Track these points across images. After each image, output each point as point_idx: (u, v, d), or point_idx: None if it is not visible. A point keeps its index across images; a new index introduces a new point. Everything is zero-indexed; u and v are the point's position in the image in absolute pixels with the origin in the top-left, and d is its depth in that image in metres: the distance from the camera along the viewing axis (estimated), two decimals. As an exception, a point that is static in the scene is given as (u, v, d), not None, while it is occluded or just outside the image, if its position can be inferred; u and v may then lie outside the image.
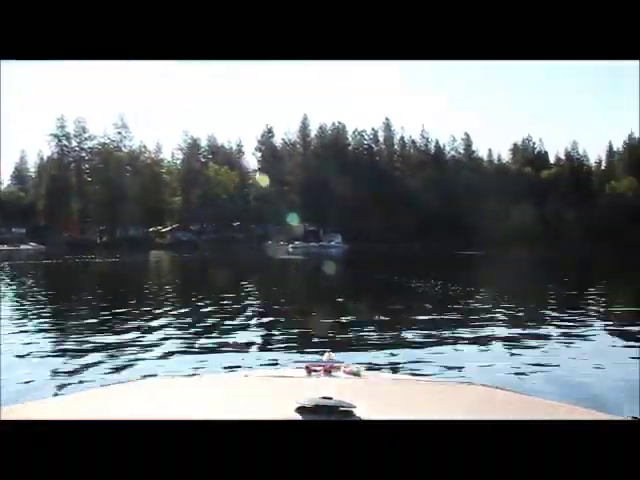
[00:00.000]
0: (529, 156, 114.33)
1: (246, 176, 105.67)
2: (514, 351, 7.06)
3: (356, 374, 2.02)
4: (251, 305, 12.67)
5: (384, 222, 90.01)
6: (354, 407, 1.27)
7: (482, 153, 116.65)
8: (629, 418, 1.38)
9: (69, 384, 5.22)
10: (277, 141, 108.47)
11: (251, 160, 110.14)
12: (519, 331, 8.74)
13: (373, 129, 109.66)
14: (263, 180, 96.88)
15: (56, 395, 1.33)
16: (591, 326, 9.20)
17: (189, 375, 2.27)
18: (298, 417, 1.24)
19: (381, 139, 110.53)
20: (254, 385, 1.82)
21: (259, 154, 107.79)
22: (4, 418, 1.31)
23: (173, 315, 10.59)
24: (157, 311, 11.15)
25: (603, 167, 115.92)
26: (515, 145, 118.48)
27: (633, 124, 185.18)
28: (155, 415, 1.33)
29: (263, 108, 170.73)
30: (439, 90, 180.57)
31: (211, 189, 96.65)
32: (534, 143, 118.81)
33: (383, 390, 1.81)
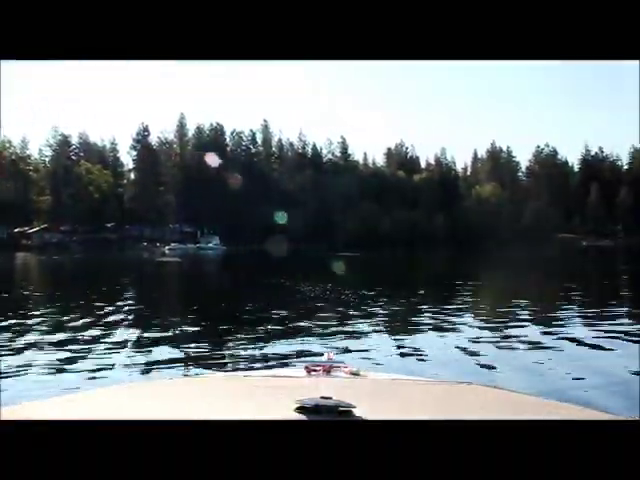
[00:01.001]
0: (402, 160, 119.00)
1: (120, 175, 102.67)
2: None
3: (355, 374, 2.06)
4: (119, 311, 12.55)
5: (262, 223, 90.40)
6: (353, 407, 1.29)
7: (358, 157, 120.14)
8: (629, 418, 1.46)
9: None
10: (153, 140, 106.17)
11: (126, 159, 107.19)
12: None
13: (251, 130, 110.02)
14: (140, 180, 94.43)
15: (56, 395, 1.48)
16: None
17: (189, 376, 2.41)
18: (298, 417, 1.25)
19: (259, 141, 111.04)
20: (254, 385, 1.82)
21: (134, 153, 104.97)
22: (4, 418, 1.32)
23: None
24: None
25: (469, 173, 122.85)
26: (389, 150, 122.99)
27: (496, 131, 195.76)
28: (155, 415, 1.36)
29: (139, 106, 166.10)
30: (318, 93, 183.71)
31: (83, 188, 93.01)
32: (407, 148, 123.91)
33: (382, 390, 1.82)
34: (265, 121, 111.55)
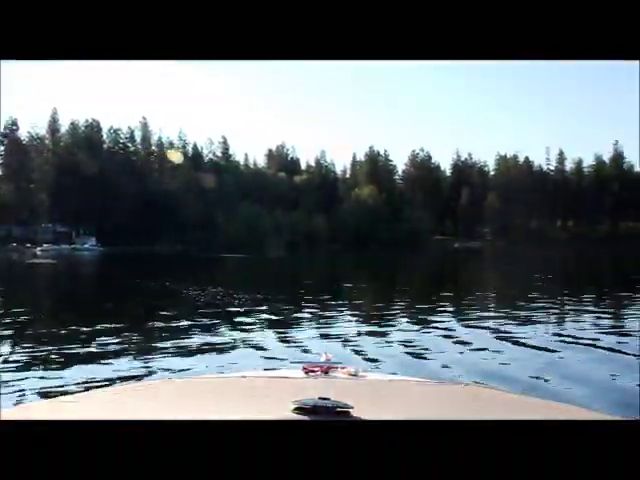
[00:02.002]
0: (283, 162, 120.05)
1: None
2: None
3: (353, 375, 2.07)
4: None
5: (142, 224, 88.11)
6: (351, 407, 1.30)
7: (239, 157, 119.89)
8: (629, 418, 1.48)
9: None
10: (22, 134, 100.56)
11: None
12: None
13: (130, 128, 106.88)
14: (8, 176, 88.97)
15: (55, 396, 1.54)
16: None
17: (187, 376, 2.45)
18: (296, 417, 1.26)
19: (138, 139, 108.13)
20: (252, 386, 1.82)
21: (1, 148, 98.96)
22: (4, 418, 1.33)
23: None
24: None
25: (348, 175, 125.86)
26: (270, 151, 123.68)
27: (373, 135, 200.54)
28: (154, 415, 1.38)
29: (9, 101, 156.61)
30: (199, 92, 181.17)
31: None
32: (288, 150, 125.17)
33: (380, 390, 1.82)
34: (144, 118, 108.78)
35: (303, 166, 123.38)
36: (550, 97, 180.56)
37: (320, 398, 1.31)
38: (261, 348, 8.11)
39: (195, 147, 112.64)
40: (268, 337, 9.00)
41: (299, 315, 11.68)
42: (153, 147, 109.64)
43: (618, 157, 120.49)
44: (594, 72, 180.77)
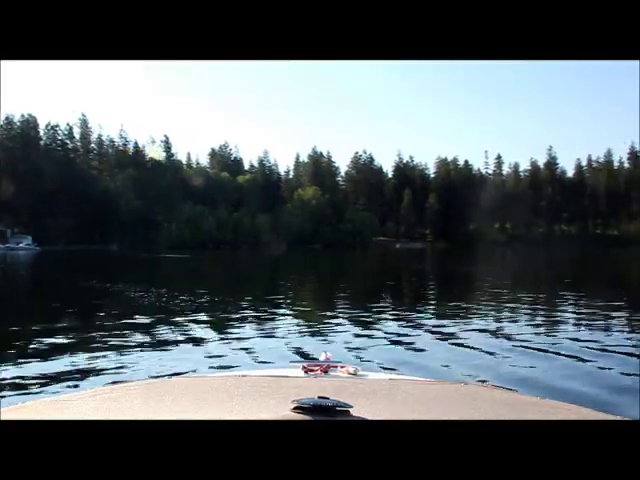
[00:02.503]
0: (226, 162, 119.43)
1: None
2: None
3: (353, 374, 2.06)
4: None
5: (80, 222, 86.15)
6: (351, 407, 1.29)
7: (181, 156, 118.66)
8: (629, 418, 1.51)
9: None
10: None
11: None
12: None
13: (68, 124, 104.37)
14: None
15: (55, 395, 1.53)
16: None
17: (187, 376, 2.41)
18: (295, 417, 1.25)
19: (77, 136, 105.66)
20: (251, 385, 1.82)
21: None
22: (4, 418, 1.33)
23: None
24: None
25: (291, 176, 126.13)
26: (213, 150, 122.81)
27: (317, 136, 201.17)
28: (154, 415, 1.38)
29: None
30: (141, 89, 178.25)
31: None
32: (231, 149, 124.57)
33: (380, 390, 1.82)
34: (83, 115, 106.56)
35: (246, 166, 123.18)
36: (488, 101, 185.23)
37: (319, 397, 1.31)
38: (203, 346, 8.19)
39: (136, 145, 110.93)
40: (211, 336, 9.06)
41: (243, 315, 11.75)
42: (92, 145, 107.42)
43: (552, 162, 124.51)
44: (535, 76, 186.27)
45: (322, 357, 2.33)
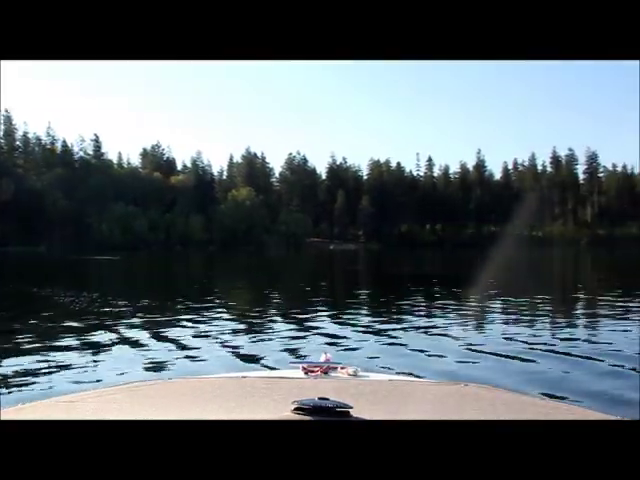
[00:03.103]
0: (158, 161, 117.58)
1: None
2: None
3: (353, 375, 2.07)
4: None
5: (5, 223, 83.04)
6: (351, 408, 1.29)
7: (112, 156, 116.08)
8: (629, 418, 1.51)
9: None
10: None
11: None
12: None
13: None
14: None
15: (55, 395, 1.57)
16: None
17: (188, 377, 2.41)
18: (295, 418, 1.25)
19: (1, 132, 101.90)
20: (252, 386, 1.82)
21: None
22: (4, 418, 1.34)
23: None
24: None
25: (225, 176, 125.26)
26: (145, 150, 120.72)
27: (252, 137, 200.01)
28: (154, 415, 1.39)
29: None
30: (71, 87, 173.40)
31: None
32: (163, 149, 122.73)
33: (380, 391, 1.81)
34: (7, 111, 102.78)
35: (179, 166, 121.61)
36: (420, 104, 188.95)
37: (320, 398, 1.32)
38: (138, 349, 8.26)
39: (65, 144, 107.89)
40: (142, 338, 9.10)
41: (174, 318, 11.70)
42: (17, 142, 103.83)
43: (480, 165, 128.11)
44: (465, 79, 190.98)
45: (322, 358, 2.31)
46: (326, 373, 2.07)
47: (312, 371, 2.07)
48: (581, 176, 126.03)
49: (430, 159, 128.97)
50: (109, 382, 5.88)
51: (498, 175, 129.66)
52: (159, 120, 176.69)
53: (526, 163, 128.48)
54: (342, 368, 2.12)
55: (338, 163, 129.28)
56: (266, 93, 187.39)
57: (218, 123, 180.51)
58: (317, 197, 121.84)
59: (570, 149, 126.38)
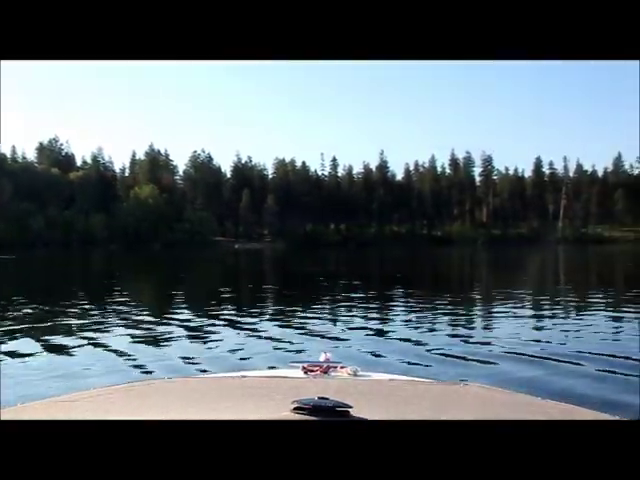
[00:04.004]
0: (56, 157, 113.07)
1: None
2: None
3: (353, 374, 2.07)
4: None
5: None
6: (351, 407, 1.28)
7: (5, 150, 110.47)
8: (629, 418, 1.51)
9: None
10: None
11: None
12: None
13: None
14: None
15: (55, 395, 1.62)
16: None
17: (188, 376, 2.39)
18: (295, 417, 1.24)
19: None
20: (251, 385, 1.81)
21: None
22: (4, 418, 1.33)
23: None
24: None
25: (127, 173, 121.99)
26: (41, 144, 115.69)
27: (153, 134, 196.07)
28: (154, 415, 1.38)
29: None
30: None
31: None
32: (62, 144, 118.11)
33: (380, 390, 1.81)
34: None
35: (79, 162, 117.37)
36: (326, 103, 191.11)
37: (319, 398, 1.32)
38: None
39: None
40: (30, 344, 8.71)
41: (66, 321, 11.34)
42: None
43: (383, 166, 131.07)
44: (369, 79, 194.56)
45: (322, 358, 2.32)
46: (326, 373, 2.09)
47: (312, 371, 2.10)
48: (477, 178, 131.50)
49: (334, 159, 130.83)
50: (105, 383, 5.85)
51: (400, 176, 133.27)
52: (57, 118, 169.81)
53: (426, 165, 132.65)
54: (342, 368, 2.15)
55: (243, 162, 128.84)
56: (170, 90, 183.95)
57: (121, 120, 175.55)
58: (222, 196, 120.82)
59: (467, 152, 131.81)
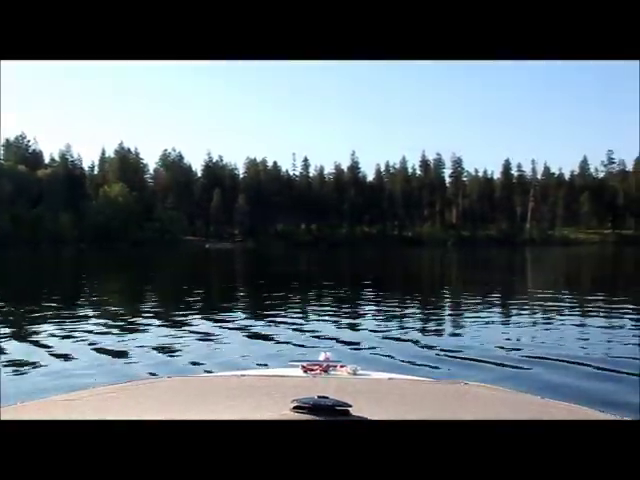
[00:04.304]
0: (23, 154, 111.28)
1: None
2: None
3: (353, 373, 2.06)
4: None
5: None
6: (350, 406, 1.28)
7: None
8: (629, 418, 1.51)
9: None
10: None
11: None
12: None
13: None
14: None
15: (56, 395, 1.62)
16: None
17: (187, 375, 2.38)
18: (295, 417, 1.24)
19: None
20: (251, 385, 1.81)
21: None
22: (4, 418, 1.32)
23: None
24: None
25: (96, 171, 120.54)
26: (7, 141, 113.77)
27: (124, 132, 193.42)
28: (153, 415, 1.37)
29: None
30: None
31: None
32: (29, 141, 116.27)
33: (379, 390, 1.81)
34: None
35: (47, 160, 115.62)
36: (297, 104, 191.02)
37: (319, 397, 1.32)
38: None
39: None
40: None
41: (42, 321, 11.20)
42: None
43: (354, 167, 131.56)
44: (341, 80, 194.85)
45: (321, 357, 2.32)
46: (326, 372, 2.10)
47: (312, 370, 2.10)
48: (447, 180, 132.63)
49: (306, 159, 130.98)
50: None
51: (371, 177, 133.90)
52: (24, 117, 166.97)
53: (397, 166, 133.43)
54: (342, 367, 2.15)
55: (214, 161, 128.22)
56: (140, 88, 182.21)
57: (90, 117, 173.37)
58: (193, 195, 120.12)
59: (438, 153, 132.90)
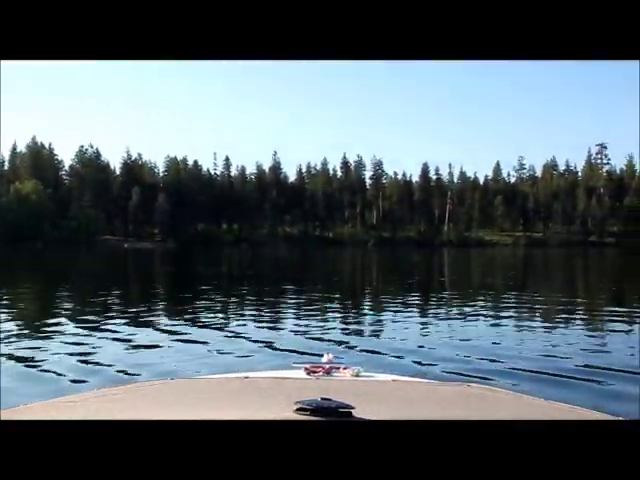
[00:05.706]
0: None
1: None
2: None
3: (355, 375, 2.06)
4: None
5: None
6: (353, 408, 1.28)
7: None
8: (629, 418, 1.48)
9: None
10: None
11: None
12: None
13: None
14: None
15: (56, 396, 1.51)
16: None
17: (190, 377, 2.22)
18: (298, 418, 1.25)
19: None
20: (254, 386, 1.80)
21: None
22: (4, 418, 1.33)
23: None
24: None
25: (7, 167, 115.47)
26: None
27: (38, 127, 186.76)
28: (155, 415, 1.38)
29: None
30: None
31: None
32: None
33: (382, 391, 1.81)
34: None
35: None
36: (219, 102, 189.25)
37: (322, 398, 1.33)
38: None
39: None
40: None
41: None
42: None
43: (276, 167, 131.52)
44: (262, 78, 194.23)
45: (325, 358, 2.33)
46: (329, 373, 2.10)
47: (315, 371, 2.11)
48: (368, 182, 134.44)
49: (227, 159, 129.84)
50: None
51: (293, 177, 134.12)
52: None
53: (319, 167, 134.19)
54: (345, 368, 2.16)
55: (133, 159, 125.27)
56: (54, 82, 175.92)
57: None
58: (111, 193, 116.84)
59: (359, 155, 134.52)
